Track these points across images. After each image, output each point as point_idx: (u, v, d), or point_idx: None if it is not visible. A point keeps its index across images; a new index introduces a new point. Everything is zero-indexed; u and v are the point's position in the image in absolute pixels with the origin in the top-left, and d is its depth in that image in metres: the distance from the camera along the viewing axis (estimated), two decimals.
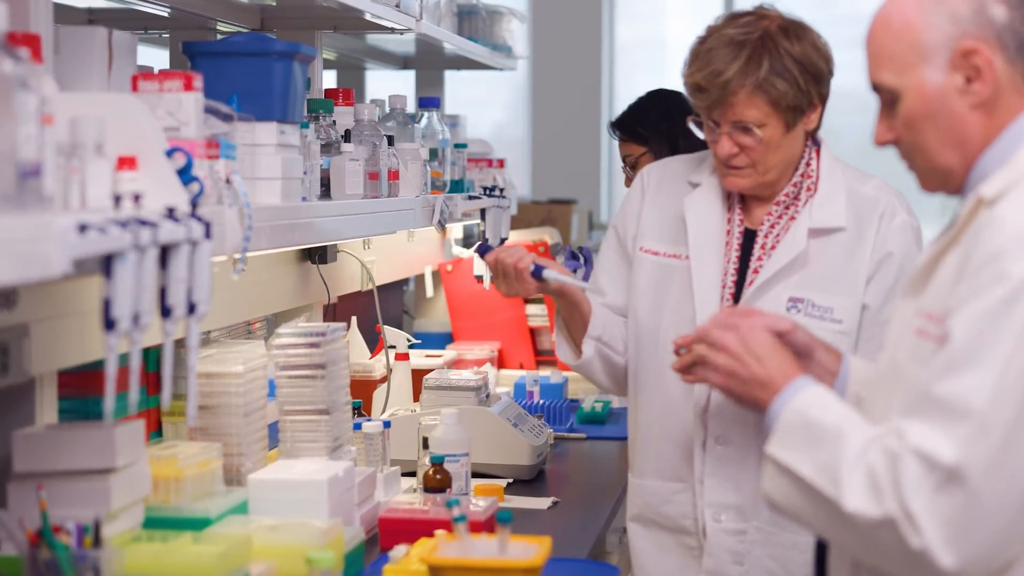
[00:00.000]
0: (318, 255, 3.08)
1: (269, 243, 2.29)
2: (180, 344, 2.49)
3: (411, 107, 3.72)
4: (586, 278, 3.01)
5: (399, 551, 2.22)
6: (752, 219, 2.49)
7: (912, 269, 1.85)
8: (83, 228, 1.62)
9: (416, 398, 3.18)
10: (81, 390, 2.21)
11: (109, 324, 1.69)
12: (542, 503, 2.75)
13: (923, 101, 1.72)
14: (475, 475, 2.82)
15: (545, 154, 7.60)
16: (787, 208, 2.47)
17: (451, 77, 4.65)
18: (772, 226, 2.47)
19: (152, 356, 2.35)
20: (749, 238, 2.48)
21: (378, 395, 3.23)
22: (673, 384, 2.44)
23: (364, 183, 2.83)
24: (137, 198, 1.78)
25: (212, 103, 2.21)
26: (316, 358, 2.43)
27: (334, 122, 2.87)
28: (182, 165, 1.98)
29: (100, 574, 1.78)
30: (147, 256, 1.73)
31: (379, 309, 3.30)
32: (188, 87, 2.06)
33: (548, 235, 4.26)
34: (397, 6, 2.99)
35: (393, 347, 3.29)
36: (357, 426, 2.60)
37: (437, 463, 2.53)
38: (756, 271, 2.45)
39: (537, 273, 2.48)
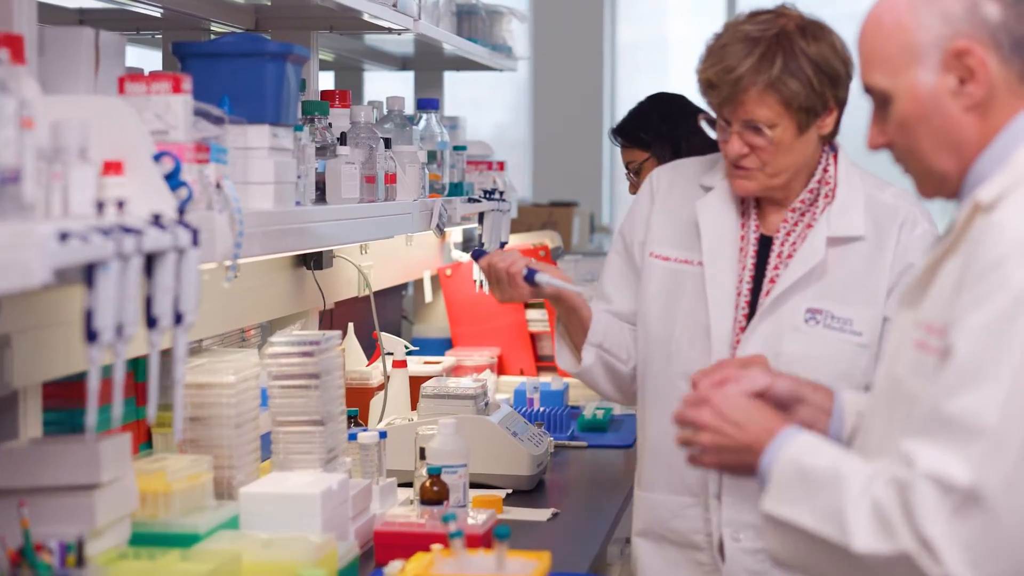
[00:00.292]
0: (313, 261, 3.01)
1: (261, 249, 2.22)
2: (168, 352, 2.45)
3: (410, 109, 3.66)
4: None
5: (394, 567, 2.16)
6: (768, 225, 2.44)
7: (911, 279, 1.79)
8: (64, 236, 1.56)
9: (414, 406, 3.12)
10: (67, 401, 2.15)
11: (91, 336, 1.63)
12: (542, 514, 2.69)
13: (916, 103, 1.67)
14: (474, 485, 2.76)
15: (547, 156, 7.55)
16: (803, 215, 2.41)
17: (452, 78, 4.59)
18: (788, 233, 2.41)
19: (142, 365, 2.29)
20: (764, 245, 2.42)
21: (375, 403, 3.17)
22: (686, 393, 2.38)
23: (360, 187, 2.77)
24: (121, 204, 1.72)
25: (203, 105, 2.16)
26: (310, 367, 2.37)
27: (330, 124, 2.81)
28: (170, 170, 1.93)
29: None
30: (131, 265, 1.67)
31: (376, 315, 3.24)
32: (177, 89, 2.00)
33: (549, 239, 4.20)
34: (394, 6, 2.93)
35: (390, 354, 3.23)
36: (352, 436, 2.53)
37: (434, 474, 2.47)
38: (772, 280, 2.39)
39: (530, 277, 2.42)
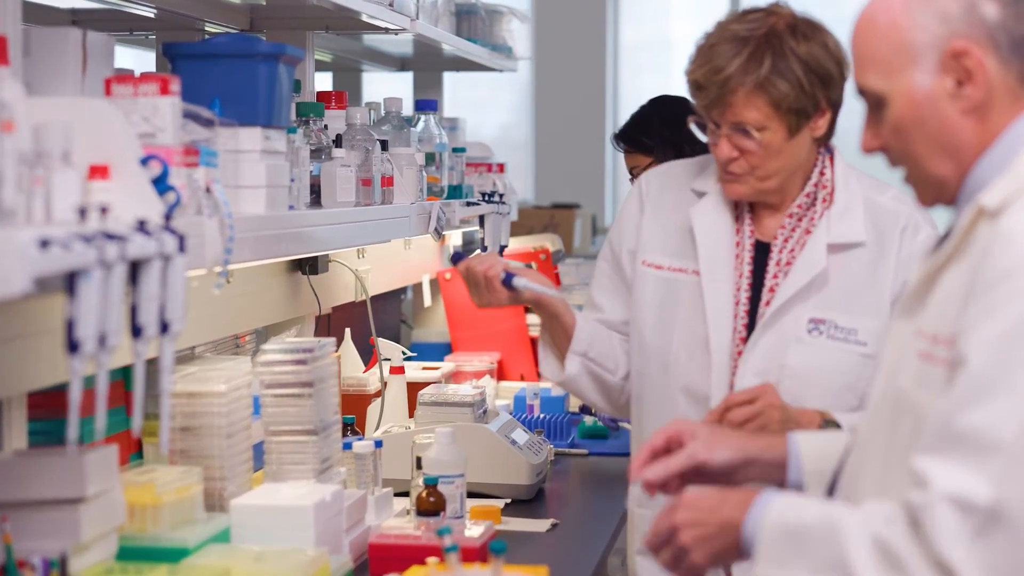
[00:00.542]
0: (308, 265, 2.96)
1: (253, 255, 2.17)
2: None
3: (410, 110, 3.61)
4: None
5: None
6: (763, 231, 2.37)
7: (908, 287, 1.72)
8: (45, 243, 1.51)
9: (412, 412, 3.06)
10: (53, 412, 2.09)
11: (72, 346, 1.58)
12: (541, 525, 2.64)
13: (911, 106, 1.61)
14: (472, 495, 2.70)
15: (549, 157, 7.50)
16: (800, 220, 2.34)
17: (454, 79, 4.54)
18: (786, 239, 2.34)
19: (129, 373, 2.24)
20: (761, 251, 2.35)
21: (372, 410, 3.12)
22: (684, 407, 2.33)
23: (356, 190, 2.72)
24: (104, 210, 1.66)
25: (193, 108, 2.11)
26: (303, 376, 2.31)
27: (325, 126, 2.76)
28: (157, 174, 1.88)
29: None
30: (114, 273, 1.62)
31: (373, 321, 3.18)
32: (164, 91, 1.96)
33: (550, 242, 4.14)
34: (390, 5, 2.87)
35: (388, 359, 3.17)
36: (347, 445, 2.48)
37: (430, 485, 2.42)
38: (772, 289, 2.33)
39: (508, 281, 2.36)
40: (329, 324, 3.28)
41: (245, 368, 2.34)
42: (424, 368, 3.47)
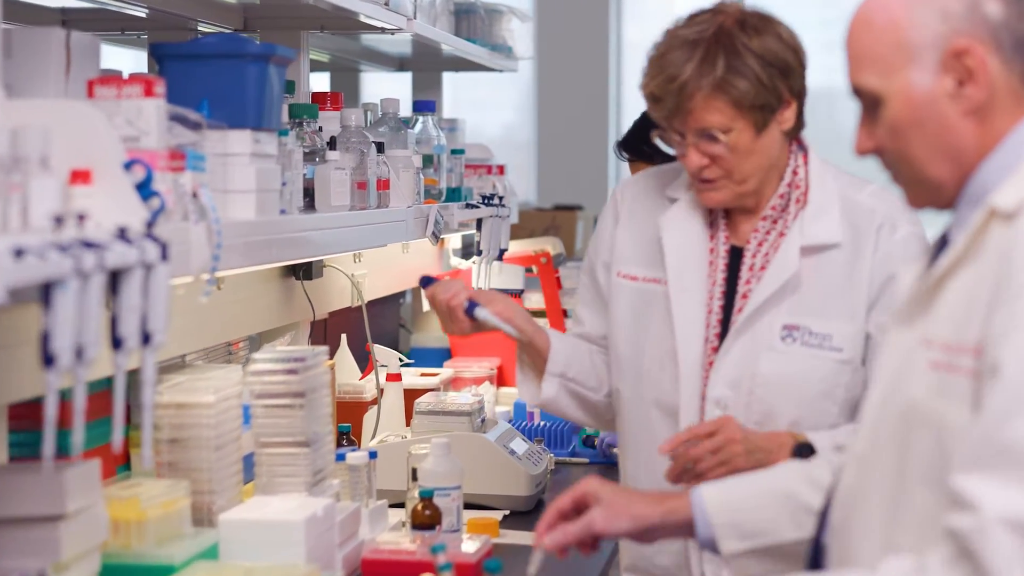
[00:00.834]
0: (302, 271, 2.89)
1: (242, 261, 2.11)
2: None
3: (409, 111, 3.54)
4: None
5: None
6: (738, 235, 2.28)
7: (904, 289, 1.63)
8: (19, 253, 1.45)
9: (409, 420, 3.00)
10: (36, 423, 2.01)
11: (48, 360, 1.52)
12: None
13: (910, 107, 1.54)
14: (470, 506, 2.64)
15: (552, 158, 7.43)
16: (775, 222, 2.25)
17: (456, 79, 4.48)
18: (760, 243, 2.25)
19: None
20: (736, 257, 2.26)
21: (368, 418, 3.05)
22: (658, 421, 2.25)
23: (351, 193, 2.65)
24: (81, 217, 1.60)
25: (180, 110, 2.05)
26: (295, 386, 2.24)
27: (320, 128, 2.69)
28: (141, 179, 1.82)
29: None
30: (91, 283, 1.56)
31: (368, 327, 3.12)
32: (149, 93, 1.90)
33: (551, 245, 4.07)
34: (386, 4, 2.81)
35: (384, 366, 3.11)
36: (341, 457, 2.41)
37: (426, 497, 2.35)
38: (745, 296, 2.24)
39: (471, 311, 2.29)
40: (325, 330, 3.21)
41: (235, 377, 2.27)
42: (422, 374, 3.40)
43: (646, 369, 2.28)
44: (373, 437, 2.98)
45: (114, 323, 1.64)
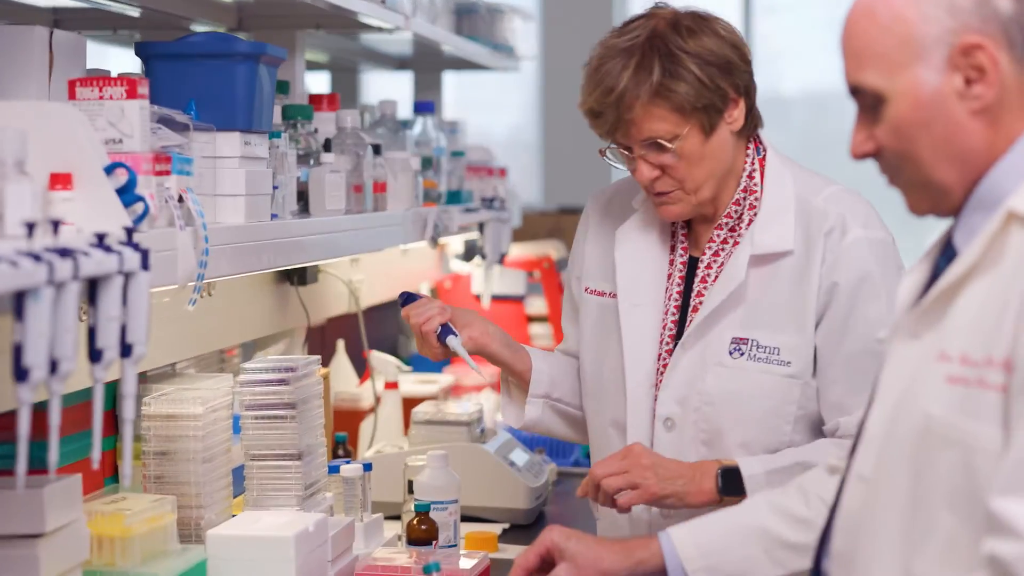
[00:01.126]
0: (297, 276, 2.82)
1: (231, 268, 2.04)
2: (140, 378, 2.26)
3: (410, 111, 3.47)
4: None
5: None
6: (698, 245, 2.17)
7: (904, 300, 1.54)
8: None
9: (408, 429, 2.92)
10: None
11: (20, 374, 1.45)
12: None
13: (916, 106, 1.46)
14: (468, 519, 2.57)
15: (557, 159, 7.36)
16: (732, 230, 2.14)
17: (461, 79, 4.40)
18: (716, 253, 2.14)
19: (109, 391, 2.10)
20: (694, 268, 2.16)
21: (366, 427, 2.98)
22: (616, 441, 2.17)
23: (347, 197, 2.58)
24: (56, 224, 1.53)
25: (166, 111, 2.00)
26: (286, 397, 2.17)
27: (315, 130, 2.62)
28: (123, 183, 1.75)
29: None
30: (67, 292, 1.49)
31: (365, 333, 3.05)
32: (132, 94, 1.83)
33: (553, 249, 4.00)
34: (383, 2, 2.74)
35: (382, 374, 3.04)
36: (334, 469, 2.34)
37: (422, 512, 2.28)
38: (696, 309, 2.13)
39: (443, 338, 2.20)
40: (323, 336, 3.14)
41: (225, 387, 2.20)
42: (422, 381, 3.33)
43: (603, 387, 2.20)
44: (370, 446, 2.91)
45: (92, 334, 1.58)
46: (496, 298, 3.76)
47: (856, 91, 1.51)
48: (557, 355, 2.34)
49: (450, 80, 4.29)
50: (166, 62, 2.08)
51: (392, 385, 3.02)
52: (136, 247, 1.62)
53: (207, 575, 2.01)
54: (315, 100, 2.77)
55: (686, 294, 2.15)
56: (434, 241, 2.96)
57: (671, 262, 2.18)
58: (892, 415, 1.49)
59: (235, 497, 2.24)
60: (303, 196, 2.51)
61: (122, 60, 3.94)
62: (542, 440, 3.17)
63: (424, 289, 3.95)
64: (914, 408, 1.45)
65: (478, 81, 6.02)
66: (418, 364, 3.63)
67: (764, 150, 2.17)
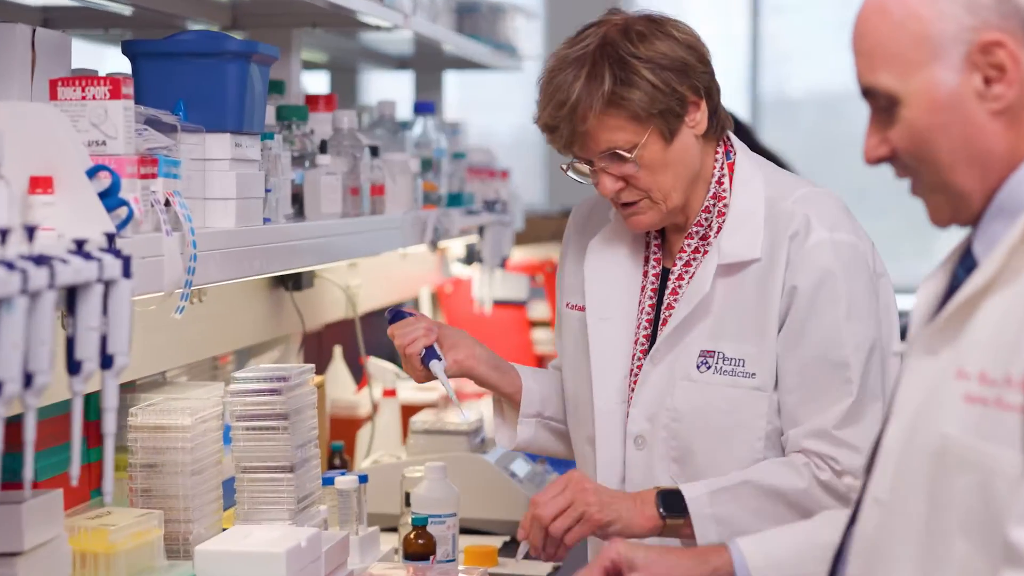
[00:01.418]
0: (292, 281, 2.75)
1: (221, 274, 1.97)
2: (126, 388, 2.20)
3: (411, 112, 3.40)
4: None
5: None
6: (672, 256, 2.09)
7: (920, 312, 1.47)
8: None
9: (406, 437, 2.86)
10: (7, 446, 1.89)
11: None
12: (542, 568, 2.42)
13: (933, 108, 1.39)
14: (467, 531, 2.50)
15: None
16: (703, 238, 2.05)
17: (467, 80, 4.33)
18: (688, 263, 2.06)
19: (94, 402, 2.03)
20: (667, 279, 2.08)
21: (363, 435, 2.91)
22: (592, 459, 2.09)
23: (344, 199, 2.51)
24: (32, 229, 1.46)
25: (153, 112, 1.93)
26: (278, 407, 2.10)
27: (311, 131, 2.56)
28: (106, 186, 1.68)
29: None
30: (42, 302, 1.42)
31: (362, 339, 2.98)
32: (116, 94, 1.77)
33: (557, 252, 3.92)
34: (381, 0, 2.67)
35: (380, 381, 2.97)
36: (329, 481, 2.27)
37: (419, 525, 2.21)
38: (665, 322, 2.05)
39: (427, 361, 2.11)
40: (320, 342, 3.08)
41: (215, 397, 2.14)
42: (420, 389, 3.26)
43: (579, 404, 2.13)
44: (367, 456, 2.84)
45: (71, 345, 1.51)
46: (498, 303, 3.69)
47: (869, 93, 1.44)
48: (549, 372, 2.26)
49: (453, 80, 4.23)
50: (154, 61, 2.01)
51: (390, 392, 2.95)
52: (117, 253, 1.55)
53: None
54: (312, 101, 2.71)
55: (659, 307, 2.08)
56: (434, 245, 2.89)
57: (644, 274, 2.10)
58: (908, 435, 1.42)
59: (225, 510, 2.18)
60: (298, 199, 2.44)
61: (117, 61, 3.88)
62: None
63: (424, 294, 3.88)
64: (930, 428, 1.38)
65: (481, 81, 5.95)
66: None
67: (734, 153, 2.08)
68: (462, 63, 3.96)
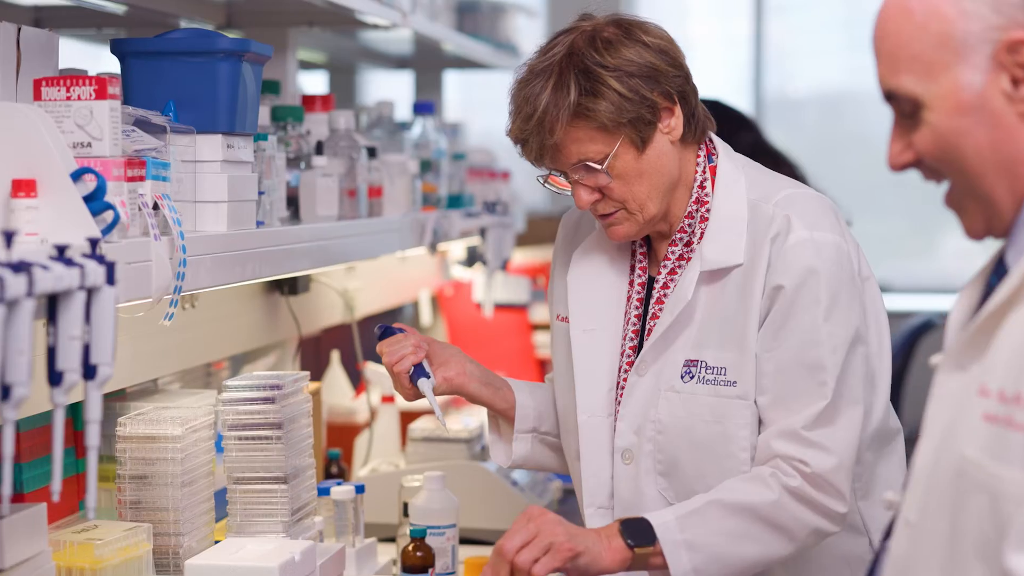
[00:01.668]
0: (288, 286, 2.69)
1: (212, 279, 1.91)
2: (116, 396, 2.14)
3: (409, 112, 3.34)
4: None
5: None
6: (657, 264, 2.03)
7: (954, 325, 1.41)
8: None
9: (405, 445, 2.80)
10: None
11: None
12: None
13: (958, 111, 1.33)
14: (468, 542, 2.44)
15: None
16: (687, 245, 1.99)
17: (469, 80, 4.28)
18: (672, 271, 2.00)
19: (80, 411, 1.98)
20: (653, 288, 2.02)
21: (361, 442, 2.85)
22: (579, 475, 2.03)
23: (340, 202, 2.45)
24: (9, 236, 1.40)
25: (142, 113, 1.88)
26: (271, 416, 2.04)
27: (308, 132, 2.50)
28: (91, 190, 1.63)
29: None
30: (20, 310, 1.36)
31: (360, 344, 2.92)
32: (102, 94, 1.72)
33: None
34: None
35: (378, 387, 2.91)
36: (324, 491, 2.21)
37: (418, 537, 2.15)
38: (651, 332, 1.99)
39: (416, 379, 2.05)
40: (317, 347, 3.02)
41: (207, 405, 2.08)
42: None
43: (567, 418, 2.07)
44: (365, 464, 2.78)
45: (52, 355, 1.45)
46: (499, 306, 3.64)
47: (891, 97, 1.37)
48: (545, 386, 2.20)
49: (454, 80, 4.17)
50: (143, 60, 1.96)
51: (389, 399, 2.89)
52: (101, 260, 1.50)
53: None
54: (308, 101, 2.65)
55: (645, 317, 2.02)
56: (433, 247, 2.83)
57: (630, 283, 2.04)
58: (936, 455, 1.35)
59: (217, 521, 2.11)
60: (293, 202, 2.38)
61: (111, 61, 3.82)
62: None
63: (424, 298, 3.82)
64: (953, 447, 1.32)
65: (483, 81, 5.90)
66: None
67: (717, 156, 2.02)
68: (462, 63, 3.90)
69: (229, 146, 1.97)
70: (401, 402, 2.97)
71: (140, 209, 1.75)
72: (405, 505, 2.27)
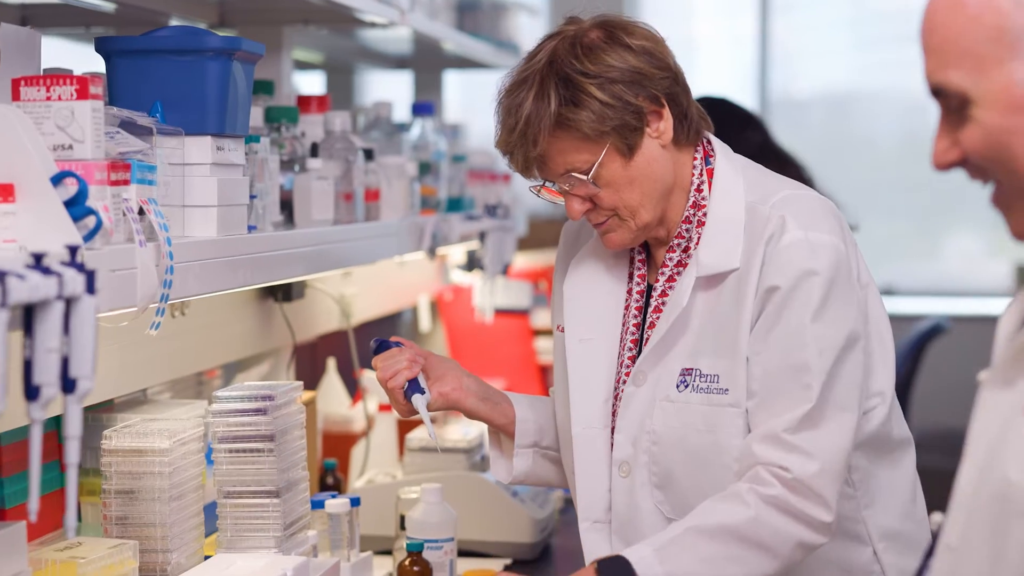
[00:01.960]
0: (282, 292, 2.62)
1: (201, 287, 1.85)
2: (103, 407, 2.08)
3: (407, 113, 3.27)
4: None
5: None
6: (656, 270, 1.97)
7: (1003, 339, 1.34)
8: None
9: (402, 454, 2.73)
10: None
11: None
12: None
13: (1010, 109, 1.26)
14: (467, 554, 2.37)
15: None
16: (685, 251, 1.93)
17: (470, 80, 4.21)
18: (671, 278, 1.94)
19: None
20: (651, 295, 1.97)
21: (358, 452, 2.78)
22: (574, 484, 1.98)
23: (336, 206, 2.39)
24: None
25: (128, 114, 1.81)
26: (263, 428, 1.97)
27: (303, 133, 2.43)
28: (72, 194, 1.56)
29: None
30: None
31: (356, 351, 2.85)
32: (83, 94, 1.65)
33: None
34: None
35: (375, 395, 2.84)
36: (318, 504, 2.14)
37: (415, 551, 2.08)
38: (647, 340, 1.94)
39: (410, 395, 1.99)
40: (313, 354, 2.95)
41: (196, 416, 2.01)
42: None
43: (564, 430, 2.01)
44: (362, 474, 2.72)
45: (28, 368, 1.38)
46: (499, 311, 3.57)
47: (938, 92, 1.31)
48: (545, 398, 2.14)
49: (455, 80, 4.10)
50: (129, 59, 1.89)
51: (386, 408, 2.83)
52: (80, 267, 1.43)
53: None
54: (304, 102, 2.59)
55: (644, 325, 1.96)
56: (432, 251, 2.77)
57: (629, 291, 1.98)
58: (979, 477, 1.29)
59: (207, 536, 2.05)
60: (287, 206, 2.32)
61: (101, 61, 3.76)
62: None
63: (423, 303, 3.75)
64: (997, 470, 1.25)
65: (484, 81, 5.84)
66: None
67: (714, 158, 1.95)
68: (462, 62, 3.84)
69: (219, 148, 1.91)
70: None
71: (125, 214, 1.68)
72: (402, 518, 2.21)
